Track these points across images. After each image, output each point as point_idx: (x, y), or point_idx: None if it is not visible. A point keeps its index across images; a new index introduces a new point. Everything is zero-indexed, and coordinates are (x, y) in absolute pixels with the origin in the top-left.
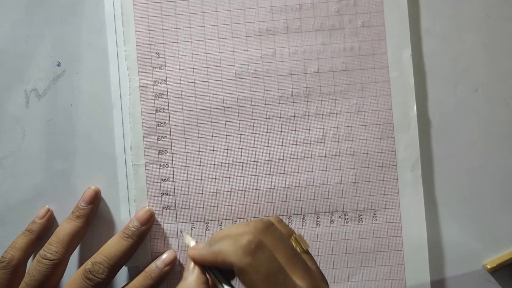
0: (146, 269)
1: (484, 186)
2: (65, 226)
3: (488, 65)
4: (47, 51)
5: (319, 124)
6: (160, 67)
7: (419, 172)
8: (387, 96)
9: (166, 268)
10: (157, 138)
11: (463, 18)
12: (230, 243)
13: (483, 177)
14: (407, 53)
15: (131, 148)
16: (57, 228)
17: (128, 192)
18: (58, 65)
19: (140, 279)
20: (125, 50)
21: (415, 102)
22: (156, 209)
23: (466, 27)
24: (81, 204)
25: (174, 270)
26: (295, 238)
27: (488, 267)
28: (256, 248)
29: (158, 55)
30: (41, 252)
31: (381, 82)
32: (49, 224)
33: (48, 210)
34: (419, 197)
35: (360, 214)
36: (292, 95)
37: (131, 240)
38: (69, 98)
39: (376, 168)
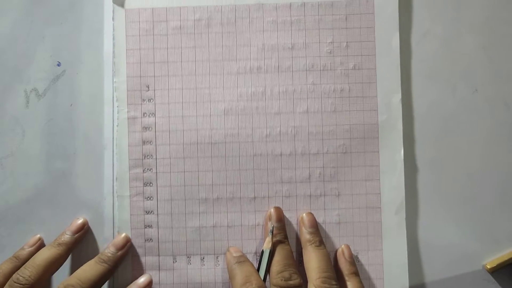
0: None
1: (484, 186)
2: (45, 252)
3: (488, 67)
4: (47, 51)
5: (305, 164)
6: (149, 100)
7: (403, 215)
8: (374, 138)
9: None
10: (143, 170)
11: (464, 20)
12: None
13: (483, 178)
14: (397, 97)
15: (116, 179)
16: (37, 253)
17: (113, 222)
18: (58, 65)
19: None
20: (115, 82)
21: (402, 145)
22: (139, 241)
23: (466, 29)
24: (66, 233)
25: None
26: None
27: (488, 267)
28: None
29: (148, 87)
30: (14, 275)
31: (369, 124)
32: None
33: (39, 239)
34: (402, 240)
35: None
36: (279, 133)
37: (106, 265)
38: (69, 98)
39: (360, 209)
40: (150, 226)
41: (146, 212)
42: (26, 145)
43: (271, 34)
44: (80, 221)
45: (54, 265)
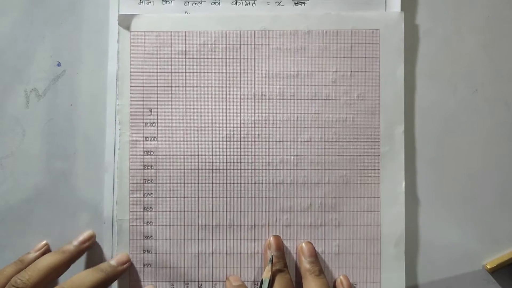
0: None
1: (484, 186)
2: (47, 257)
3: (488, 67)
4: (47, 51)
5: (306, 193)
6: (151, 124)
7: (402, 248)
8: (376, 170)
9: None
10: (143, 195)
11: (464, 20)
12: None
13: (483, 178)
14: (400, 128)
15: (116, 203)
16: (40, 258)
17: (112, 246)
18: (58, 65)
19: None
20: (118, 104)
21: (404, 178)
22: (137, 266)
23: (467, 28)
24: (72, 242)
25: None
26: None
27: (488, 267)
28: None
29: (151, 111)
30: (13, 278)
31: (372, 155)
32: None
33: (45, 244)
34: (401, 273)
35: None
36: (281, 161)
37: (103, 274)
38: (69, 98)
39: (359, 240)
40: (149, 251)
41: (145, 237)
42: (26, 145)
43: (276, 61)
44: (88, 232)
45: (54, 271)
